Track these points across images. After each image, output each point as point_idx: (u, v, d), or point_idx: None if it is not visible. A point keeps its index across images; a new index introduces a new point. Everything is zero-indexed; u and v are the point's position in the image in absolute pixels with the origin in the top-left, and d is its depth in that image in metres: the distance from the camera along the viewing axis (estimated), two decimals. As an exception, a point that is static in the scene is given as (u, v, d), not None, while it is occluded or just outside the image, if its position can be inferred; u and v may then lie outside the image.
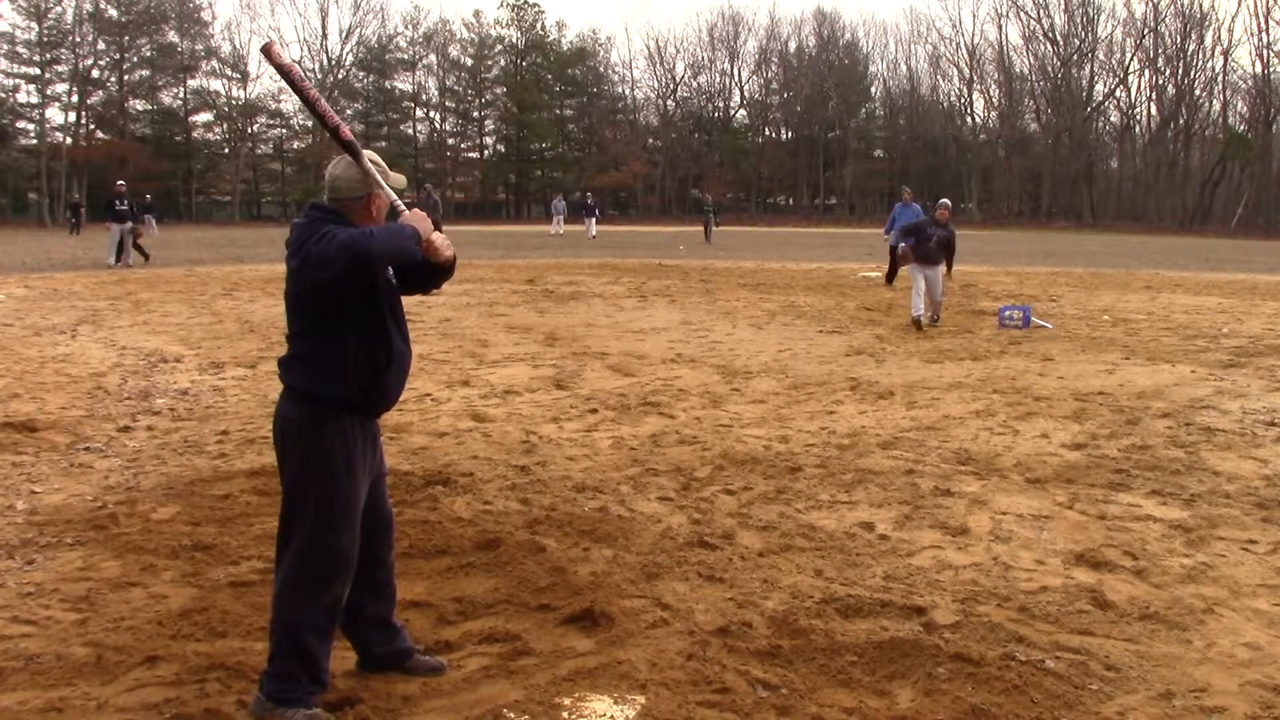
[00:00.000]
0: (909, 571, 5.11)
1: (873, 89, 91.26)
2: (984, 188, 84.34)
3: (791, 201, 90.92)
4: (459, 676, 4.04)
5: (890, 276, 21.65)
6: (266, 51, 3.70)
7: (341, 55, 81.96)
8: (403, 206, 3.67)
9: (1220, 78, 77.00)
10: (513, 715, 3.68)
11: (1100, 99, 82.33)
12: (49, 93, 70.78)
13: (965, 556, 5.34)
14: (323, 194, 3.72)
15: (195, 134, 79.87)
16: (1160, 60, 77.99)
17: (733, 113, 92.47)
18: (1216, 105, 78.56)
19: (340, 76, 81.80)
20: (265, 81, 78.98)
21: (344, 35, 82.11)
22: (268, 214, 79.99)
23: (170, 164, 74.92)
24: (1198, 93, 77.53)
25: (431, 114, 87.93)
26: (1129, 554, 5.36)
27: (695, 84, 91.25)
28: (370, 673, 4.06)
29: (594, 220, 43.95)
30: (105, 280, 21.46)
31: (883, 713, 3.76)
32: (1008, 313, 15.15)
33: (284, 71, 3.66)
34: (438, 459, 7.16)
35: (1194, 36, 75.95)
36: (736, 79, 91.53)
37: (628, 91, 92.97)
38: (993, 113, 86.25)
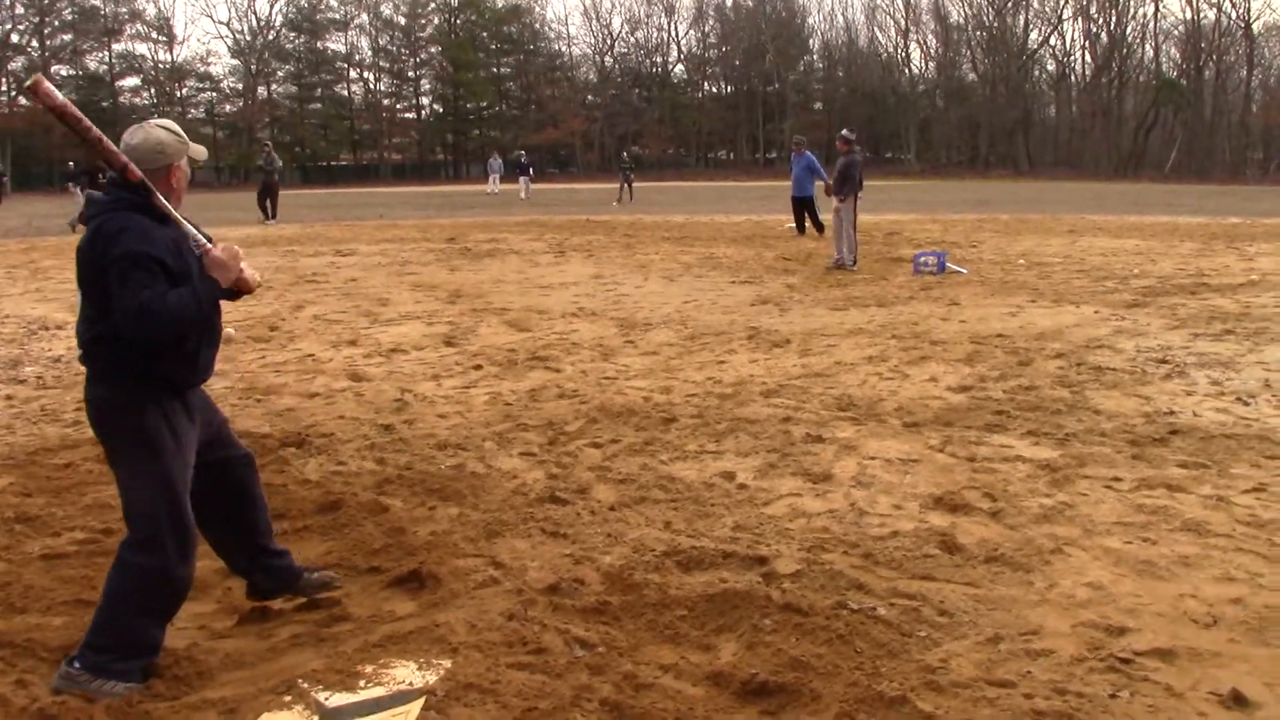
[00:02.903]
0: (760, 521, 4.95)
1: (810, 42, 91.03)
2: (922, 138, 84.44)
3: (732, 156, 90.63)
4: (264, 647, 3.84)
5: (800, 227, 21.55)
6: (35, 89, 3.41)
7: (271, 15, 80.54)
8: (205, 245, 3.51)
9: (1152, 24, 77.57)
10: (306, 685, 3.48)
11: (1035, 46, 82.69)
12: (-33, 59, 68.87)
13: (822, 504, 5.19)
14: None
15: (122, 99, 78.02)
16: (1093, 7, 78.28)
17: (671, 68, 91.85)
18: (1149, 51, 79.18)
19: (270, 38, 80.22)
20: (193, 44, 77.67)
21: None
22: (201, 180, 78.42)
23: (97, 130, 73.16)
24: (1130, 39, 78.01)
25: (366, 74, 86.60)
26: (989, 495, 5.23)
27: (633, 40, 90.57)
28: (256, 600, 4.09)
29: (527, 180, 43.09)
30: (12, 249, 20.82)
31: (702, 668, 3.60)
32: (923, 259, 15.07)
33: (58, 112, 3.44)
34: (301, 420, 6.90)
35: (1126, -18, 76.32)
36: (674, 34, 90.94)
37: (565, 48, 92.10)
38: (930, 63, 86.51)
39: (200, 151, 3.68)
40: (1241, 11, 73.18)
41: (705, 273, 15.15)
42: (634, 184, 41.21)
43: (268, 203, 28.38)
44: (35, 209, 24.77)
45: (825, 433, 6.41)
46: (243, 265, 3.55)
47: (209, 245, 3.52)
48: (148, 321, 3.29)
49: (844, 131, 16.58)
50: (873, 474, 5.62)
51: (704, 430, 6.53)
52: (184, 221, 3.52)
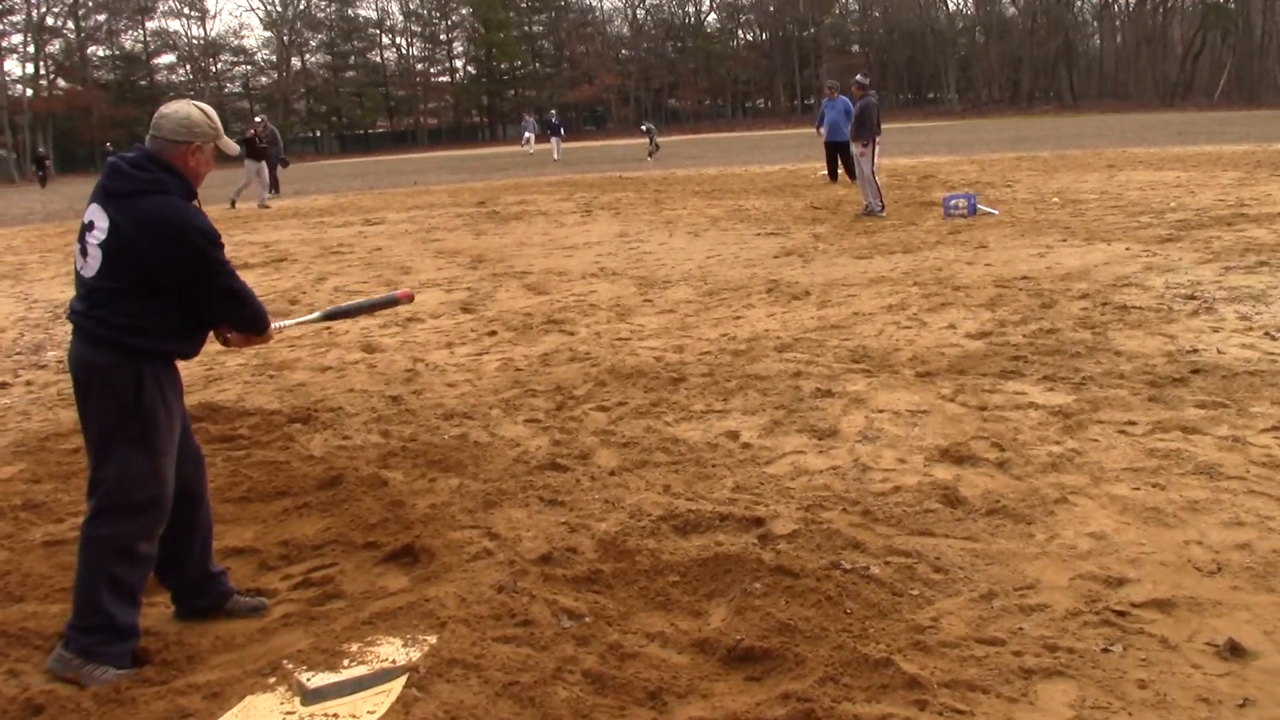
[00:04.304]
0: (760, 481, 4.87)
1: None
2: (963, 76, 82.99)
3: (769, 104, 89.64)
4: (255, 628, 3.83)
5: (833, 174, 21.33)
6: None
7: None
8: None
9: (1197, -56, 75.37)
10: (290, 666, 3.46)
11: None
12: (5, 44, 69.74)
13: (825, 460, 5.10)
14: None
15: (158, 77, 78.59)
16: (1135, -69, 76.25)
17: (704, 17, 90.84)
18: (1195, -27, 77.03)
19: (301, 7, 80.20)
20: (225, 18, 78.02)
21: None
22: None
23: (136, 109, 73.67)
24: (1174, -37, 75.98)
25: (398, 39, 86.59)
26: (996, 445, 5.11)
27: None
28: (187, 620, 3.90)
29: (558, 140, 42.34)
30: (50, 233, 21.05)
31: (689, 635, 3.55)
32: (953, 202, 14.78)
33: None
34: (311, 395, 6.90)
35: (1168, -96, 74.19)
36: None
37: (596, 2, 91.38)
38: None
39: (231, 146, 3.78)
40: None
41: (731, 226, 14.98)
42: (654, 146, 39.50)
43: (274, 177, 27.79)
44: (78, 190, 24.98)
45: (835, 387, 6.30)
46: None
47: None
48: (246, 309, 3.62)
49: (858, 76, 16.38)
50: (879, 428, 5.52)
51: (712, 389, 6.44)
52: None
